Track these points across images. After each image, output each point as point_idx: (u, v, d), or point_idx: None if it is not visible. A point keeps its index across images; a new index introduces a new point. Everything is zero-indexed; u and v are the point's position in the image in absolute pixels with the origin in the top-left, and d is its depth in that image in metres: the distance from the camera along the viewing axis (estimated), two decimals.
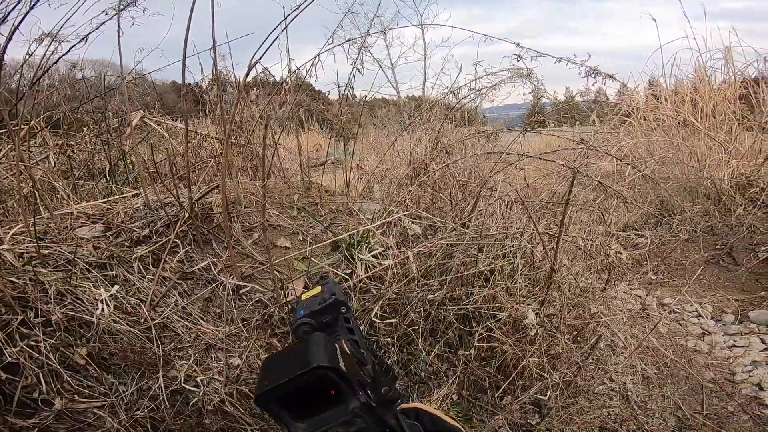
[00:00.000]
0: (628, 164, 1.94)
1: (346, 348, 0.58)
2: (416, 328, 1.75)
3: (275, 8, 1.82)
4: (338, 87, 2.46)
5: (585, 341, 1.98)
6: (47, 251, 1.65)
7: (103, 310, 1.49)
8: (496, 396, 1.83)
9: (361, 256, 1.81)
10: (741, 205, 3.74)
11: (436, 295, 1.69)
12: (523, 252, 1.69)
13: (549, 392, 1.72)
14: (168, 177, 1.95)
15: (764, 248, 3.40)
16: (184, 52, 1.57)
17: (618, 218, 3.27)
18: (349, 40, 1.88)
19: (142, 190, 1.89)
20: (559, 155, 1.96)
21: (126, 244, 1.76)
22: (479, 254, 1.71)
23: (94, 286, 1.59)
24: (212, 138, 2.27)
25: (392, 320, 1.76)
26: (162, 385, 1.42)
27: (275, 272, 1.66)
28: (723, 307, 3.18)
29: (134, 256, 1.70)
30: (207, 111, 2.92)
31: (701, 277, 3.42)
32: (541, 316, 1.65)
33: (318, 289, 0.74)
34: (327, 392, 0.47)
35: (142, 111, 2.34)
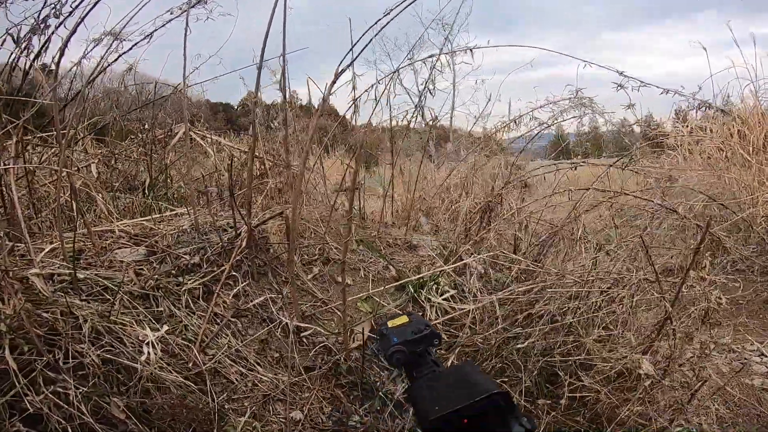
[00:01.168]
0: (721, 204, 1.75)
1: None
2: (496, 375, 1.54)
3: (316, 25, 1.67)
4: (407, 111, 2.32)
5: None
6: (83, 276, 1.46)
7: (148, 355, 1.28)
8: None
9: (432, 298, 1.61)
10: None
11: (525, 344, 1.49)
12: (626, 301, 1.49)
13: None
14: (221, 197, 1.77)
15: None
16: (262, 56, 1.40)
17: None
18: (431, 55, 1.73)
19: (190, 210, 1.70)
20: (651, 193, 1.78)
21: (173, 272, 1.57)
22: (573, 302, 1.51)
23: (136, 323, 1.39)
24: (263, 158, 2.09)
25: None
26: None
27: (345, 314, 1.46)
28: None
29: (183, 288, 1.50)
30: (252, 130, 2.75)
31: (761, 317, 3.23)
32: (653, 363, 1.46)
33: (405, 318, 0.73)
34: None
35: (187, 124, 2.19)
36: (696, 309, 1.71)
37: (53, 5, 1.49)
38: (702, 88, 1.62)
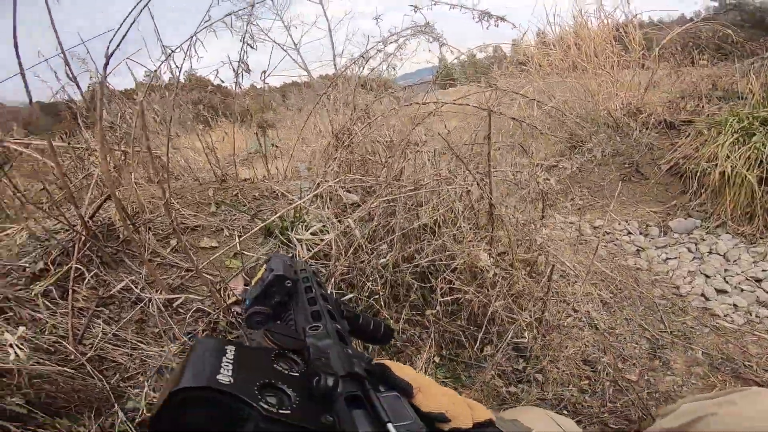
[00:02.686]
0: (536, 101, 2.02)
1: (267, 341, 0.48)
2: (377, 297, 1.68)
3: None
4: (234, 70, 2.28)
5: (540, 275, 2.02)
6: None
7: (17, 354, 1.25)
8: (476, 349, 1.82)
9: (299, 237, 1.70)
10: (636, 129, 4.15)
11: (387, 258, 1.63)
12: (460, 195, 1.69)
13: (525, 333, 1.73)
14: (46, 202, 1.67)
15: (665, 161, 3.80)
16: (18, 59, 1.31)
17: (536, 153, 3.45)
18: (229, 14, 1.72)
19: (22, 223, 1.60)
20: (472, 99, 1.99)
21: (20, 283, 1.49)
22: (420, 208, 1.68)
23: None
24: (95, 150, 1.98)
25: (351, 295, 1.67)
26: (124, 418, 1.25)
27: (207, 275, 1.50)
28: (646, 221, 3.45)
29: (34, 293, 1.44)
30: (81, 123, 2.54)
31: (620, 195, 3.73)
32: (494, 255, 1.66)
33: (262, 270, 0.66)
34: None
35: None
36: (529, 191, 1.96)
37: None
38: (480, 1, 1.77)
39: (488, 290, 1.76)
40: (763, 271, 2.69)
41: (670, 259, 2.96)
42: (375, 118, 1.86)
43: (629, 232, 3.34)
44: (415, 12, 1.80)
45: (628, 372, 1.90)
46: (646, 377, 1.88)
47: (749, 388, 0.93)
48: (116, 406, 1.28)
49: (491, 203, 1.63)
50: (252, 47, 1.80)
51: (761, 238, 2.95)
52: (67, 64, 1.41)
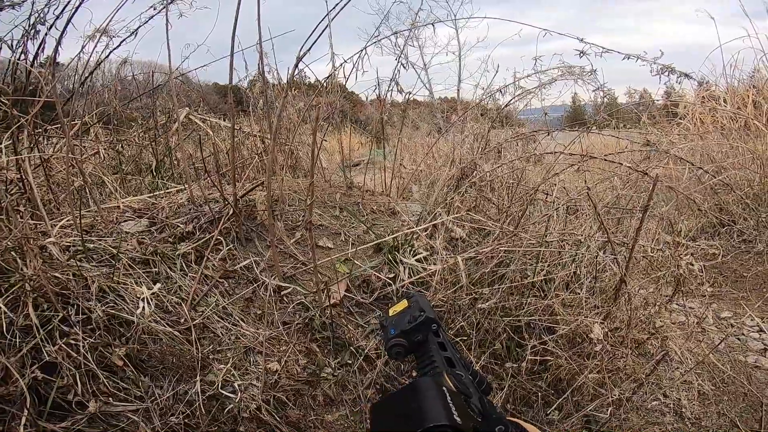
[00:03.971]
0: (700, 168, 1.72)
1: (451, 384, 0.52)
2: (464, 338, 1.61)
3: (318, 7, 1.73)
4: (378, 84, 2.36)
5: (645, 356, 1.79)
6: (92, 245, 1.63)
7: (143, 309, 1.43)
8: (544, 411, 1.69)
9: (405, 260, 1.69)
10: None
11: (487, 304, 1.54)
12: (587, 262, 1.52)
13: (609, 408, 1.55)
14: (213, 174, 1.90)
15: None
16: (232, 46, 1.50)
17: (683, 230, 3.00)
18: (395, 33, 1.76)
19: (186, 186, 1.84)
20: (624, 157, 1.77)
21: (170, 240, 1.71)
22: (534, 262, 1.55)
23: (136, 283, 1.54)
24: (255, 136, 2.21)
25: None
26: (199, 390, 1.34)
27: (318, 274, 1.57)
28: None
29: (177, 252, 1.64)
30: (250, 110, 2.89)
31: (765, 291, 3.09)
32: (606, 330, 1.47)
33: (404, 303, 0.69)
34: None
35: (187, 108, 2.32)
36: (664, 274, 1.70)
37: (38, 13, 1.63)
38: (664, 53, 1.53)
39: (584, 360, 1.61)
40: None
41: None
42: (511, 161, 1.75)
43: (762, 330, 2.79)
44: (581, 57, 1.64)
45: None
46: None
47: None
48: (198, 375, 1.36)
49: (623, 279, 1.44)
50: (405, 67, 1.83)
51: None
52: (261, 58, 1.59)
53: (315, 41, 1.79)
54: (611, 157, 1.68)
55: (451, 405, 0.42)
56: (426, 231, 1.74)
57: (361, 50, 1.92)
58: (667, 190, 1.80)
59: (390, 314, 0.69)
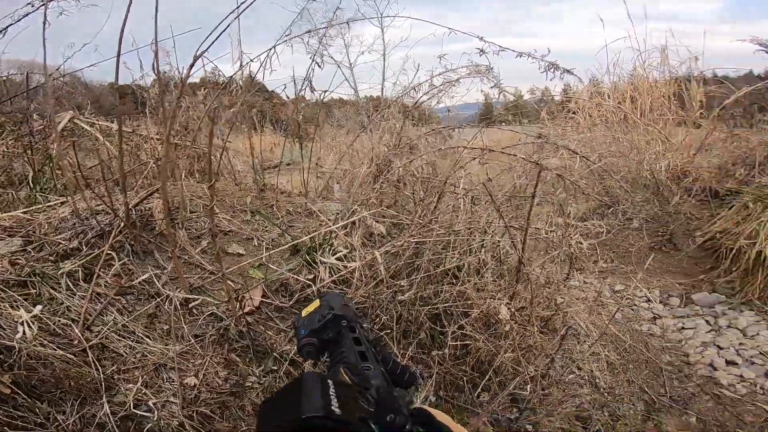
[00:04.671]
0: (583, 157, 1.93)
1: (346, 377, 0.54)
2: (388, 331, 1.63)
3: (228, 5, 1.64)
4: (294, 83, 2.31)
5: (553, 332, 1.96)
6: None
7: (24, 333, 1.26)
8: (473, 394, 1.78)
9: (324, 260, 1.67)
10: (677, 194, 3.95)
11: (406, 295, 1.58)
12: (491, 247, 1.62)
13: (528, 386, 1.68)
14: (99, 183, 1.71)
15: (700, 234, 3.59)
16: (120, 42, 1.36)
17: (573, 212, 3.33)
18: (309, 31, 1.73)
19: (69, 198, 1.64)
20: (519, 149, 1.93)
21: (51, 258, 1.51)
22: (446, 251, 1.62)
23: (12, 307, 1.35)
24: (153, 139, 2.03)
25: (364, 325, 1.64)
26: (108, 411, 1.22)
27: (228, 282, 1.49)
28: (669, 291, 3.32)
29: (61, 271, 1.45)
30: (148, 112, 2.66)
31: (646, 263, 3.58)
32: (512, 310, 1.59)
33: (316, 303, 0.70)
34: None
35: (71, 111, 2.07)
36: (558, 254, 1.88)
37: None
38: (551, 51, 1.70)
39: (499, 341, 1.73)
40: None
41: (686, 328, 2.91)
42: (419, 155, 1.82)
43: (649, 300, 3.24)
44: (481, 55, 1.75)
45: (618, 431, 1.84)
46: None
47: None
48: (104, 397, 1.25)
49: (521, 261, 1.57)
50: (320, 66, 1.80)
51: None
52: (156, 58, 1.45)
53: (215, 39, 1.69)
54: (508, 149, 1.81)
55: (332, 396, 0.43)
56: (345, 229, 1.74)
57: (270, 49, 1.86)
58: (558, 177, 1.98)
59: (303, 315, 0.70)
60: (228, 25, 1.66)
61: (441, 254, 1.65)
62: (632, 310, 3.13)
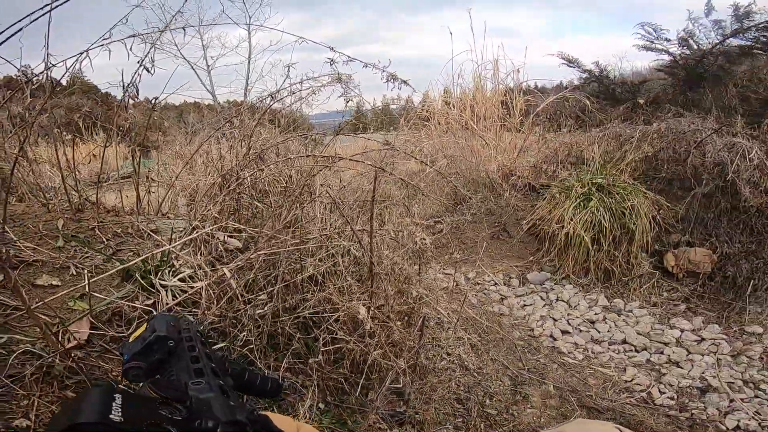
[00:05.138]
0: (423, 162, 2.16)
1: (151, 392, 0.54)
2: (251, 347, 1.56)
3: None
4: (122, 86, 2.03)
5: (415, 325, 2.11)
6: None
7: None
8: (359, 394, 1.81)
9: (165, 282, 1.52)
10: (507, 190, 4.69)
11: (266, 308, 1.54)
12: (346, 251, 1.69)
13: (402, 379, 1.78)
14: None
15: (525, 222, 4.33)
16: None
17: (422, 210, 3.67)
18: (133, 35, 1.54)
19: None
20: (368, 156, 2.05)
21: None
22: (307, 259, 1.63)
23: None
24: None
25: (222, 345, 1.54)
26: None
27: (40, 316, 1.24)
28: (509, 273, 3.89)
29: None
30: None
31: (489, 251, 4.16)
32: (372, 309, 1.68)
33: (143, 327, 0.68)
34: None
35: None
36: (407, 250, 2.07)
37: None
38: (392, 61, 1.85)
39: (368, 340, 1.81)
40: (595, 314, 3.26)
41: (527, 305, 3.41)
42: (268, 164, 1.78)
43: (495, 283, 3.75)
44: (331, 65, 1.81)
45: (495, 407, 2.03)
46: (510, 411, 2.03)
47: (578, 420, 1.09)
48: None
49: (372, 261, 1.67)
50: (149, 72, 1.61)
51: (593, 288, 3.61)
52: None
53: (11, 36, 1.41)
54: (357, 156, 1.91)
55: (115, 406, 0.44)
56: (188, 248, 1.60)
57: (82, 53, 1.62)
58: (403, 182, 2.16)
59: (130, 341, 0.67)
60: (34, 20, 1.41)
61: (299, 263, 1.65)
62: (484, 294, 3.56)
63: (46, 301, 1.33)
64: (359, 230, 1.54)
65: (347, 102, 2.08)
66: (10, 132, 2.00)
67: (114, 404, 0.44)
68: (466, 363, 2.29)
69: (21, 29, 1.48)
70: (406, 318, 2.11)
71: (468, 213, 4.50)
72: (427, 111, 5.69)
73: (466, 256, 4.11)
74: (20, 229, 1.53)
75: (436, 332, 2.47)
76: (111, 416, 0.42)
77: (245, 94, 5.12)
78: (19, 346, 1.26)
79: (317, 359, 1.73)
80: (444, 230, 2.21)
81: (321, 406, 1.75)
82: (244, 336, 1.63)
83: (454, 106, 5.95)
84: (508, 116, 5.63)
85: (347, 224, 1.56)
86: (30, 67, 1.79)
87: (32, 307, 1.22)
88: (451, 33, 5.81)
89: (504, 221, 4.39)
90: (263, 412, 0.58)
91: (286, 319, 1.70)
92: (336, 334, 1.74)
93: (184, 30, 2.06)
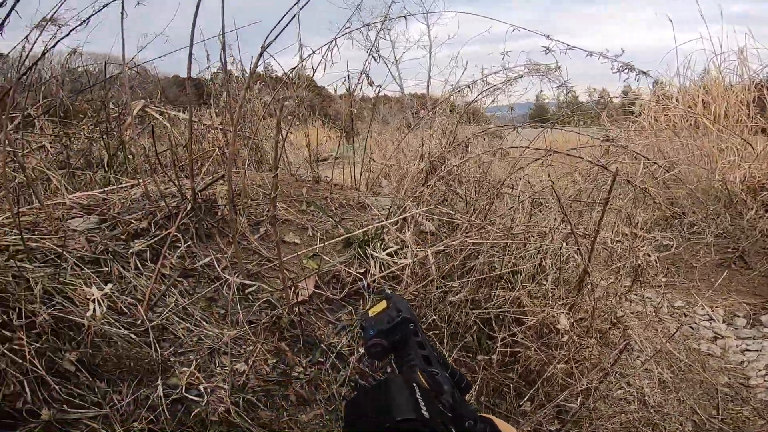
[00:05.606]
0: (655, 163, 1.80)
1: (424, 381, 0.53)
2: (436, 332, 1.60)
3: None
4: (348, 77, 2.32)
5: (608, 346, 1.86)
6: (35, 244, 1.50)
7: (94, 311, 1.33)
8: (516, 403, 1.72)
9: (376, 254, 1.67)
10: (753, 209, 3.62)
11: (457, 297, 1.55)
12: (551, 253, 1.55)
13: (578, 399, 1.60)
14: (169, 167, 1.80)
15: None
16: (192, 35, 1.42)
17: (641, 223, 3.13)
18: (367, 24, 1.73)
19: (141, 180, 1.74)
20: (586, 152, 1.82)
21: (122, 237, 1.61)
22: (502, 255, 1.57)
23: (85, 284, 1.43)
24: (216, 129, 2.11)
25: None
26: (161, 394, 1.27)
27: (285, 270, 1.52)
28: (735, 310, 3.10)
29: (131, 250, 1.54)
30: (211, 102, 2.78)
31: (713, 280, 3.31)
32: (572, 320, 1.51)
33: (383, 304, 0.71)
34: None
35: (143, 100, 2.19)
36: (624, 265, 1.77)
37: None
38: (625, 51, 1.58)
39: (553, 351, 1.66)
40: None
41: (749, 351, 2.72)
42: (478, 155, 1.77)
43: (711, 319, 3.02)
44: (547, 54, 1.67)
45: None
46: None
47: None
48: (159, 379, 1.29)
49: (587, 270, 1.48)
50: (376, 60, 1.80)
51: None
52: (223, 49, 1.51)
53: (281, 32, 1.74)
54: (573, 152, 1.72)
55: (419, 400, 0.44)
56: (396, 225, 1.72)
57: (331, 41, 1.88)
58: (625, 183, 1.87)
59: (370, 315, 0.70)
60: (293, 18, 1.69)
61: (496, 257, 1.59)
62: (692, 328, 2.95)
63: (290, 257, 1.62)
64: (581, 235, 1.37)
65: (567, 94, 1.88)
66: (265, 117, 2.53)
67: (418, 397, 0.44)
68: (646, 397, 1.98)
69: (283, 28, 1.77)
70: (600, 336, 1.86)
71: (686, 230, 3.66)
72: (639, 105, 4.81)
73: (677, 281, 3.37)
74: (278, 192, 1.90)
75: (621, 358, 2.13)
76: (422, 411, 0.42)
77: (428, 86, 5.27)
78: (264, 295, 1.56)
79: (486, 357, 1.66)
80: (672, 247, 1.82)
81: (473, 404, 1.68)
82: (433, 319, 1.67)
83: (678, 101, 4.88)
84: (761, 116, 4.31)
85: (562, 224, 1.41)
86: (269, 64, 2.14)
87: (283, 261, 1.49)
88: (671, 20, 4.75)
89: (743, 247, 3.41)
90: (487, 415, 0.57)
91: (471, 312, 1.68)
92: (516, 337, 1.64)
93: (405, 19, 2.19)
